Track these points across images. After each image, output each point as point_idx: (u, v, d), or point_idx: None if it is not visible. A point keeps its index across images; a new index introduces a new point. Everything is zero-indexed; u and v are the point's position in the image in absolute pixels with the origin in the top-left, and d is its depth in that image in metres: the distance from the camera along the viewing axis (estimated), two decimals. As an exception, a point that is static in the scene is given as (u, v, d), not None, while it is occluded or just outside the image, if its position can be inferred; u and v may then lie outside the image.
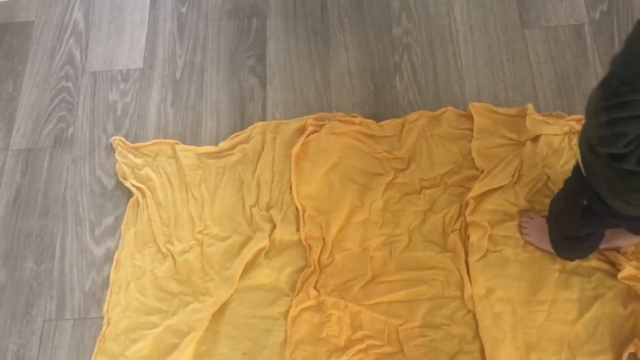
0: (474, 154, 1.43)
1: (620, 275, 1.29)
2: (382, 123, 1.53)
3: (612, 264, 1.31)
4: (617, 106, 0.74)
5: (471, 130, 1.47)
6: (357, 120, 1.52)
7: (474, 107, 1.49)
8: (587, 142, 0.90)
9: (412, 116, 1.52)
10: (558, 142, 1.43)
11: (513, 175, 1.39)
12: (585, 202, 1.03)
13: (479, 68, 1.58)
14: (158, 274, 1.39)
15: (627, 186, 0.88)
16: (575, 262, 1.32)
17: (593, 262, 1.32)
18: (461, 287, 1.32)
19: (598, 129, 0.78)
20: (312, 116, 1.55)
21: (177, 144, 1.54)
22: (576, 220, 1.08)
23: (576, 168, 1.06)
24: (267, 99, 1.60)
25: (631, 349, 1.23)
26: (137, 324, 1.34)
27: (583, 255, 1.30)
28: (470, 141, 1.45)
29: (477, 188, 1.38)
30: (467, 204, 1.39)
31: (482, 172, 1.42)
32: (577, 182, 1.06)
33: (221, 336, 1.32)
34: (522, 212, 1.37)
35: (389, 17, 1.67)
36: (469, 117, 1.49)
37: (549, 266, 1.32)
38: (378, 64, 1.62)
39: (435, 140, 1.48)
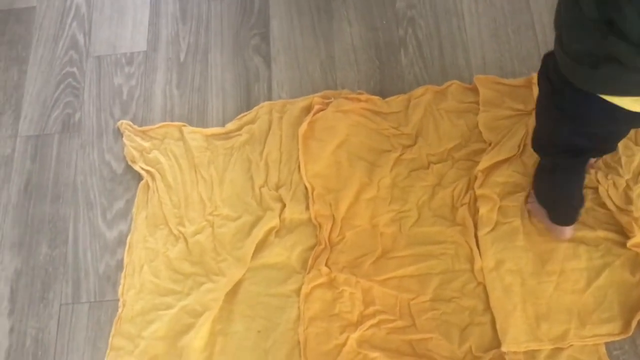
0: (481, 127, 1.43)
1: (630, 242, 1.29)
2: (388, 99, 1.52)
3: (620, 232, 1.32)
4: None
5: (477, 103, 1.46)
6: (363, 97, 1.52)
7: (479, 79, 1.49)
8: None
9: (418, 91, 1.51)
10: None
11: (519, 146, 1.40)
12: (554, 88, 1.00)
13: (484, 40, 1.57)
14: (171, 255, 1.41)
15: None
16: (582, 233, 1.32)
17: (600, 232, 1.33)
18: (471, 260, 1.33)
19: None
20: (318, 94, 1.55)
21: (184, 126, 1.54)
22: (550, 114, 1.05)
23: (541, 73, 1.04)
24: (273, 78, 1.59)
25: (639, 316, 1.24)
26: (152, 305, 1.37)
27: (564, 198, 1.24)
28: (477, 114, 1.45)
29: (485, 161, 1.39)
30: (475, 178, 1.40)
31: (489, 144, 1.42)
32: (544, 87, 1.04)
33: (235, 315, 1.34)
34: None
35: (392, -10, 1.66)
36: (475, 90, 1.49)
37: (556, 237, 1.33)
38: (382, 39, 1.61)
39: (442, 114, 1.48)
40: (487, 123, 1.43)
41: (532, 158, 1.39)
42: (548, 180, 1.24)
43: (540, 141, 1.18)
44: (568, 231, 1.31)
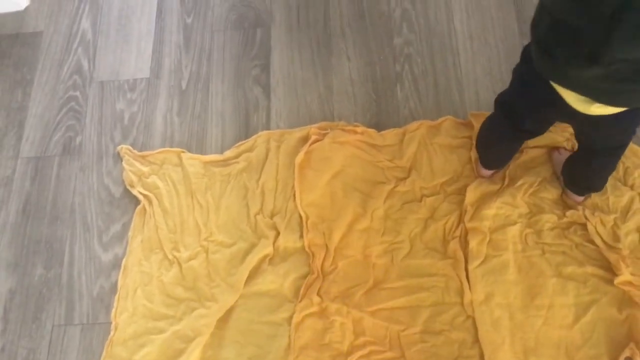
0: (474, 164, 1.47)
1: (616, 280, 1.32)
2: (383, 132, 1.56)
3: (608, 269, 1.35)
4: None
5: (470, 138, 1.50)
6: (359, 129, 1.56)
7: (474, 115, 1.53)
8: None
9: (413, 125, 1.55)
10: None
11: (503, 179, 1.44)
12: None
13: (478, 77, 1.61)
14: (165, 280, 1.42)
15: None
16: (571, 269, 1.35)
17: (589, 267, 1.35)
18: (461, 294, 1.35)
19: None
20: (315, 125, 1.58)
21: (183, 152, 1.57)
22: (513, 79, 1.15)
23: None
24: (271, 108, 1.63)
25: (627, 353, 1.26)
26: (145, 329, 1.38)
27: (490, 149, 1.39)
28: (470, 149, 1.49)
29: (470, 192, 1.43)
30: (465, 211, 1.42)
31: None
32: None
33: (226, 341, 1.35)
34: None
35: (390, 27, 1.70)
36: (469, 126, 1.52)
37: (545, 272, 1.35)
38: (379, 74, 1.65)
39: (435, 149, 1.51)
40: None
41: (520, 190, 1.43)
42: (486, 129, 1.35)
43: (503, 94, 1.24)
44: (484, 172, 1.45)
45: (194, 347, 1.32)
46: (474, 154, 1.48)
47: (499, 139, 1.32)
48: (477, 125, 1.50)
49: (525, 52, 1.07)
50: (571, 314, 1.31)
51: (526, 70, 1.06)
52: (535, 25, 0.94)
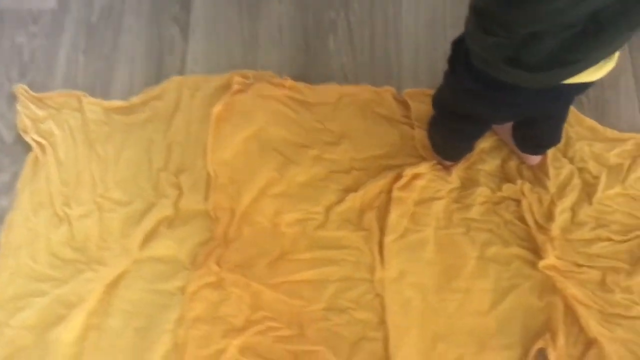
0: (417, 144, 1.33)
1: (541, 263, 1.22)
2: (317, 87, 1.40)
3: (534, 251, 1.25)
4: None
5: (409, 117, 1.35)
6: (287, 83, 1.40)
7: (409, 94, 1.38)
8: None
9: (353, 88, 1.39)
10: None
11: None
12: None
13: (419, 31, 1.46)
14: (53, 238, 1.29)
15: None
16: (495, 249, 1.25)
17: (514, 248, 1.26)
18: (372, 270, 1.24)
19: None
20: (237, 72, 1.42)
21: (84, 96, 1.41)
22: (467, 96, 0.99)
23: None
24: (188, 52, 1.46)
25: (540, 344, 1.17)
26: (26, 291, 1.25)
27: (451, 143, 1.26)
28: (413, 128, 1.34)
29: (422, 168, 1.30)
30: (399, 178, 1.30)
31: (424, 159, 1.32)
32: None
33: (114, 309, 1.23)
34: None
35: (329, -31, 1.53)
36: (405, 104, 1.37)
37: (467, 252, 1.25)
38: (312, 21, 1.48)
39: (376, 118, 1.36)
40: (424, 141, 1.32)
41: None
42: (442, 131, 1.23)
43: (443, 103, 1.12)
44: (448, 163, 1.31)
45: (77, 314, 1.20)
46: (417, 134, 1.34)
47: (465, 140, 1.22)
48: (414, 104, 1.36)
49: (474, 72, 0.90)
50: (488, 299, 1.22)
51: (487, 86, 0.91)
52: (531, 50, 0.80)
